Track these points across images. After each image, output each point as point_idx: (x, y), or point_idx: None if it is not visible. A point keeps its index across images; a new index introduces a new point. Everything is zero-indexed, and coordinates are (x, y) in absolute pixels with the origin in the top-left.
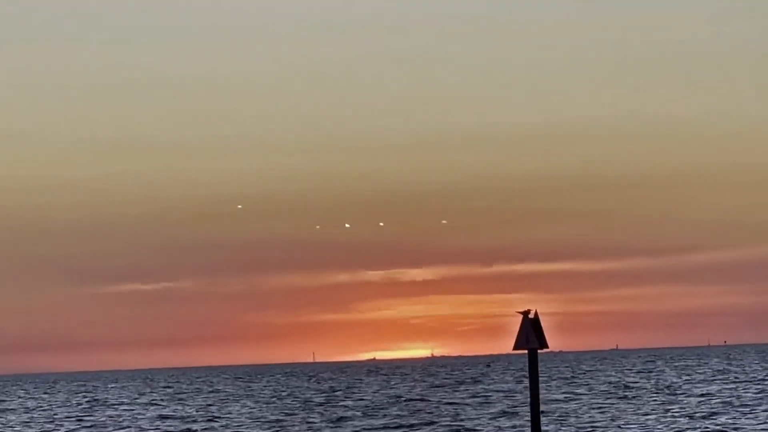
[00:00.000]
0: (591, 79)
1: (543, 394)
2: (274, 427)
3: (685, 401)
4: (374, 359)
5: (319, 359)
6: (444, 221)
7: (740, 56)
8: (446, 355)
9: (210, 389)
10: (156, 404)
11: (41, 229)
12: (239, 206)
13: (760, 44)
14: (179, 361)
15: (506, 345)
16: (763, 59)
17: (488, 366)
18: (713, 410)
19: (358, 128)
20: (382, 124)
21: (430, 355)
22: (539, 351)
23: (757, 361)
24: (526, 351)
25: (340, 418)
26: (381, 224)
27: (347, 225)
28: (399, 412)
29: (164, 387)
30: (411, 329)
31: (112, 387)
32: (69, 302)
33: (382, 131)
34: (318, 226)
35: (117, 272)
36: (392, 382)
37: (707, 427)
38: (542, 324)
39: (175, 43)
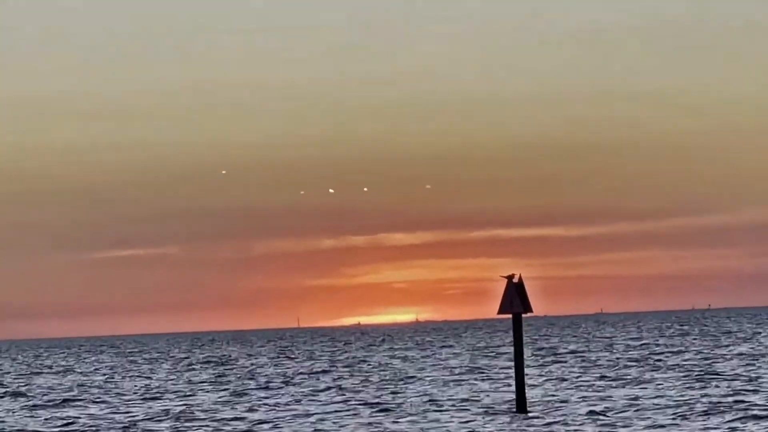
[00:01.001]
0: (573, 44)
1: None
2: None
3: None
4: (359, 324)
5: (303, 324)
6: (428, 186)
7: (727, 22)
8: (431, 319)
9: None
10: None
11: (29, 196)
12: (223, 172)
13: (745, 10)
14: (165, 328)
15: (491, 309)
16: (750, 26)
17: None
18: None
19: (342, 94)
20: (365, 89)
21: (414, 320)
22: (523, 315)
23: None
24: (510, 315)
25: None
26: (365, 189)
27: (331, 190)
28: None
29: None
30: (396, 294)
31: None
32: (56, 269)
33: (366, 97)
34: (302, 192)
35: (103, 239)
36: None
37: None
38: (526, 288)
39: (159, 8)
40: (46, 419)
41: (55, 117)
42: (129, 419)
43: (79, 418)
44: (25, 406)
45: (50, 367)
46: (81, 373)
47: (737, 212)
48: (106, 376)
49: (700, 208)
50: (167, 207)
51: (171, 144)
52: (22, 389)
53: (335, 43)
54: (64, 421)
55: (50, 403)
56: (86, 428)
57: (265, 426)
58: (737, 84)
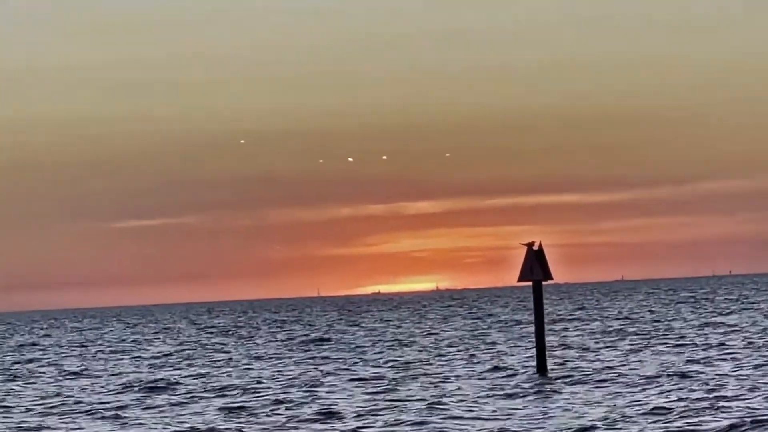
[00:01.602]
0: (590, 15)
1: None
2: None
3: None
4: (378, 293)
5: (323, 293)
6: (447, 154)
7: None
8: (451, 288)
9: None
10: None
11: (45, 167)
12: (242, 141)
13: None
14: (183, 297)
15: (511, 277)
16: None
17: None
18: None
19: (361, 63)
20: (385, 57)
21: (434, 288)
22: (543, 282)
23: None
24: (530, 282)
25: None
26: (384, 158)
27: (350, 159)
28: None
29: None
30: (415, 262)
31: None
32: (73, 238)
33: (386, 65)
34: (321, 161)
35: (120, 209)
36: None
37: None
38: (546, 256)
39: None
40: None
41: (71, 88)
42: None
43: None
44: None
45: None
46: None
47: (756, 177)
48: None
49: (721, 173)
50: (185, 177)
51: (188, 114)
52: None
53: (352, 11)
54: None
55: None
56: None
57: None
58: (753, 49)
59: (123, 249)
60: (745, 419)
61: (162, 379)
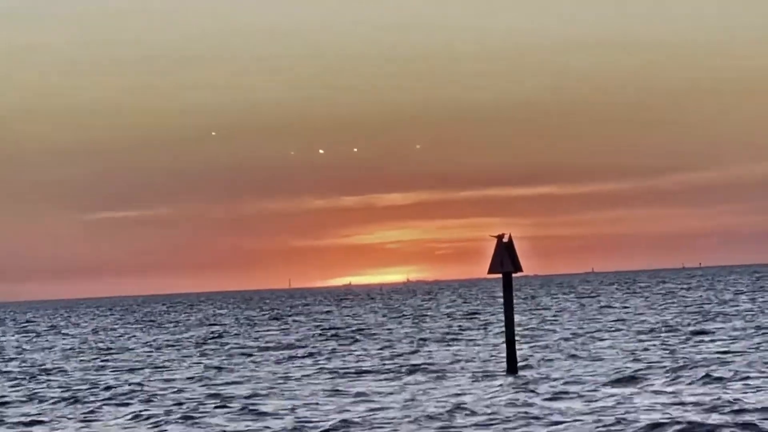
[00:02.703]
0: (566, 1)
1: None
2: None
3: None
4: (350, 285)
5: (295, 285)
6: (418, 146)
7: None
8: (422, 279)
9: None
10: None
11: (19, 157)
12: (213, 133)
13: None
14: (156, 288)
15: (481, 269)
16: None
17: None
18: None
19: (332, 54)
20: (356, 50)
21: (405, 280)
22: (513, 275)
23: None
24: (500, 275)
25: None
26: (355, 150)
27: (321, 151)
28: None
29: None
30: (386, 254)
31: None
32: (48, 230)
33: (357, 57)
34: (292, 153)
35: (93, 200)
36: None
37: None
38: (516, 247)
39: None
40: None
41: (44, 78)
42: None
43: None
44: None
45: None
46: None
47: (728, 170)
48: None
49: (691, 166)
50: (158, 168)
51: (161, 106)
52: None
53: (325, 4)
54: None
55: None
56: None
57: None
58: (729, 40)
59: (96, 240)
60: None
61: None
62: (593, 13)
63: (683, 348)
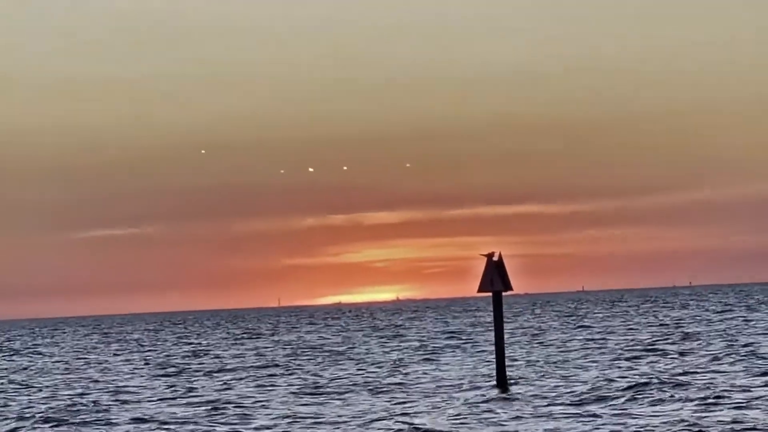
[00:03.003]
0: (553, 20)
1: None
2: None
3: None
4: (339, 303)
5: (284, 304)
6: (408, 165)
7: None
8: (411, 298)
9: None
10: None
11: (7, 176)
12: (202, 151)
13: None
14: (144, 307)
15: (471, 288)
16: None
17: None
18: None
19: (322, 72)
20: (346, 68)
21: (395, 299)
22: (503, 294)
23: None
24: (490, 293)
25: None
26: (345, 168)
27: (311, 169)
28: None
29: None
30: (376, 273)
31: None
32: (34, 249)
33: (346, 75)
34: (282, 171)
35: (82, 218)
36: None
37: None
38: (506, 266)
39: None
40: None
41: (32, 96)
42: None
43: None
44: None
45: None
46: None
47: (717, 189)
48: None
49: (682, 185)
50: (146, 187)
51: (149, 123)
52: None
53: (314, 21)
54: None
55: None
56: None
57: None
58: (718, 60)
59: (84, 259)
60: None
61: None
62: (574, 35)
63: (644, 367)
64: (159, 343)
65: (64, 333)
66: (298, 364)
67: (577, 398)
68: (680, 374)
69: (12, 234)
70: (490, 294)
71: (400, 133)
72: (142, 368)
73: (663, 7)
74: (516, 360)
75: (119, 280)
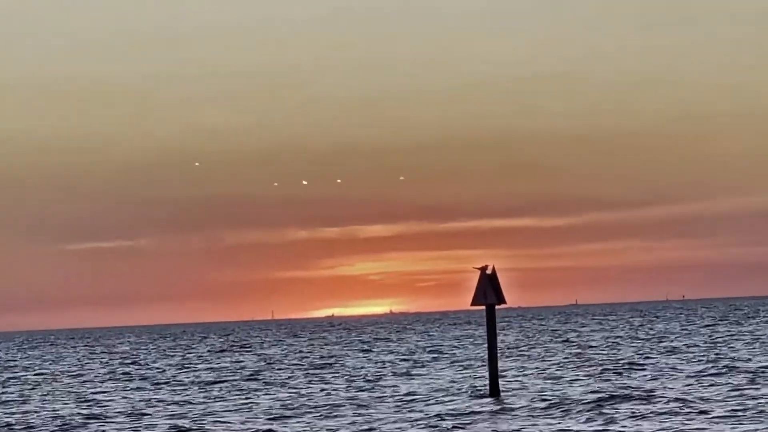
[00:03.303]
0: (548, 33)
1: None
2: None
3: None
4: (332, 316)
5: (277, 316)
6: (402, 178)
7: (701, 6)
8: (405, 311)
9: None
10: None
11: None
12: (197, 164)
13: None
14: (137, 320)
15: (464, 301)
16: (724, 10)
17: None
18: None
19: (316, 85)
20: (339, 80)
21: (388, 312)
22: (497, 307)
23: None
24: (483, 306)
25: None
26: (338, 181)
27: (305, 182)
28: None
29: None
30: (369, 286)
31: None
32: (26, 260)
33: (340, 88)
34: (276, 183)
35: (75, 230)
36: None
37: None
38: (500, 280)
39: None
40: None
41: (24, 107)
42: None
43: None
44: None
45: None
46: None
47: (710, 202)
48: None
49: (675, 198)
50: (139, 199)
51: (142, 135)
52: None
53: (309, 33)
54: None
55: None
56: None
57: None
58: (711, 72)
59: (77, 271)
60: None
61: None
62: (571, 44)
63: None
64: (143, 355)
65: (51, 345)
66: (274, 377)
67: (565, 411)
68: (648, 387)
69: (2, 245)
70: (484, 307)
71: (394, 146)
72: (118, 381)
73: (656, 23)
74: (505, 372)
75: (111, 293)
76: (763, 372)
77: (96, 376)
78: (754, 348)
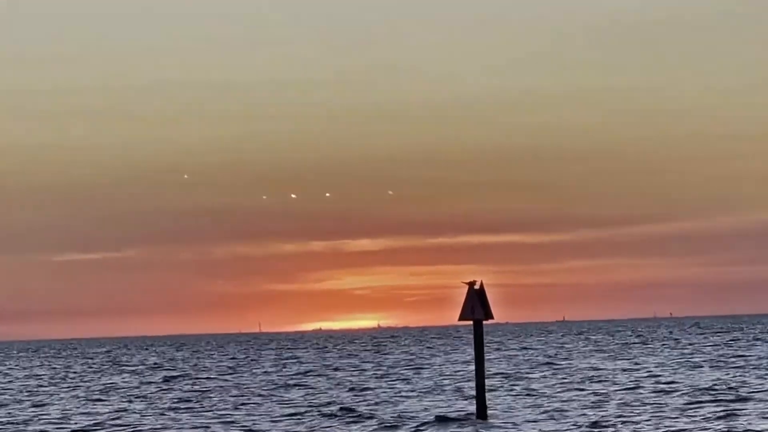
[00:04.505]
0: (535, 50)
1: None
2: None
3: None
4: (320, 330)
5: (265, 329)
6: (390, 192)
7: (692, 23)
8: (392, 326)
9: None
10: None
11: None
12: (185, 176)
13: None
14: (123, 331)
15: (452, 316)
16: (714, 30)
17: None
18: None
19: (303, 98)
20: (327, 94)
21: (376, 326)
22: (484, 322)
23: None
24: (471, 322)
25: None
26: (327, 195)
27: (293, 195)
28: None
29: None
30: (357, 300)
31: None
32: (14, 272)
33: (328, 101)
34: (264, 197)
35: (61, 241)
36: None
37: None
38: (488, 295)
39: (121, 10)
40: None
41: (12, 116)
42: None
43: None
44: None
45: None
46: None
47: (699, 220)
48: None
49: (662, 216)
50: (127, 210)
51: (132, 146)
52: None
53: (297, 46)
54: None
55: None
56: None
57: None
58: (702, 91)
59: (65, 282)
60: None
61: None
62: (557, 64)
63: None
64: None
65: (30, 358)
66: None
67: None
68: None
69: None
70: (471, 322)
71: (383, 160)
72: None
73: (650, 39)
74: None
75: (98, 304)
76: None
77: None
78: None
